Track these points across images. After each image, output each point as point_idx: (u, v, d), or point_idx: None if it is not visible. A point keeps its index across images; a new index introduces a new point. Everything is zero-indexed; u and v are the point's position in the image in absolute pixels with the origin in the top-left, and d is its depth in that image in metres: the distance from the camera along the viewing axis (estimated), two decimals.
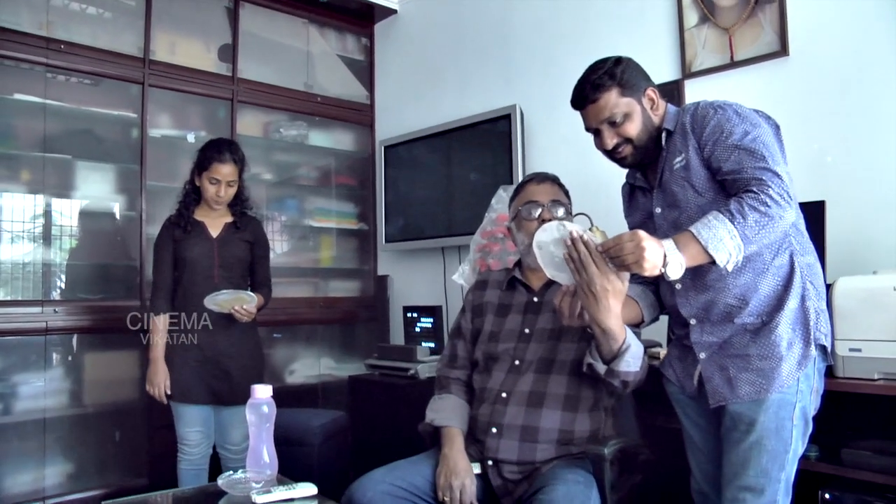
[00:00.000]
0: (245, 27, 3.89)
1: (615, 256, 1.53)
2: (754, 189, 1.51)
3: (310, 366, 4.11)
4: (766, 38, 2.62)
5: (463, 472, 1.88)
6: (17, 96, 3.19)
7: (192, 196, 2.78)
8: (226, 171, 2.70)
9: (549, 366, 1.98)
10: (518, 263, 2.24)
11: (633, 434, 2.09)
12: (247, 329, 2.77)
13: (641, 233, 1.50)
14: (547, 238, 1.69)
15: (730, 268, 1.50)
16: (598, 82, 1.71)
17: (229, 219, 2.80)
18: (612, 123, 1.73)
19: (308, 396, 4.01)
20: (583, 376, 1.89)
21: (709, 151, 1.63)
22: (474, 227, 3.12)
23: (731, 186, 1.59)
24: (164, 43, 3.61)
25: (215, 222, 2.78)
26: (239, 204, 2.83)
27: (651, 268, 1.47)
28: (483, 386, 2.05)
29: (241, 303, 2.65)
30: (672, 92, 2.83)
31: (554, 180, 2.17)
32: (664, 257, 1.48)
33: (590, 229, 1.65)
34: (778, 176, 1.51)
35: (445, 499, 1.87)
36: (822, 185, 2.35)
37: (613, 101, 1.71)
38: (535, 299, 2.12)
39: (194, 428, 2.69)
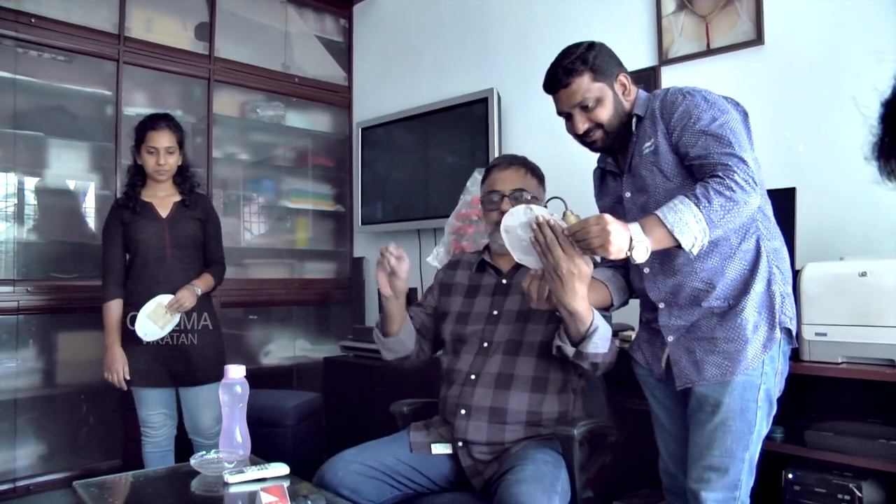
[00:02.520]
0: (223, 5, 3.84)
1: (581, 240, 1.54)
2: (720, 174, 1.52)
3: (285, 347, 4.11)
4: (742, 27, 2.64)
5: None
6: None
7: (138, 177, 2.73)
8: (161, 138, 2.66)
9: (516, 347, 1.99)
10: (487, 246, 2.25)
11: (603, 416, 2.12)
12: (205, 309, 2.74)
13: (607, 216, 1.51)
14: (514, 222, 1.70)
15: (695, 251, 1.52)
16: (570, 67, 1.72)
17: (178, 198, 2.76)
18: (584, 108, 1.73)
19: (283, 378, 4.01)
20: (551, 358, 1.91)
21: (677, 137, 1.64)
22: (450, 209, 3.13)
23: (698, 171, 1.60)
24: (140, 19, 3.54)
25: (164, 202, 2.74)
26: (187, 181, 2.79)
27: (617, 251, 1.48)
28: (451, 367, 2.07)
29: (164, 306, 2.60)
30: (648, 78, 2.84)
31: (522, 163, 2.15)
32: (630, 241, 1.49)
33: (564, 213, 1.66)
34: (744, 162, 1.53)
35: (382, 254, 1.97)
36: (794, 172, 2.38)
37: (585, 85, 1.71)
38: (504, 281, 2.13)
39: (156, 410, 2.67)
